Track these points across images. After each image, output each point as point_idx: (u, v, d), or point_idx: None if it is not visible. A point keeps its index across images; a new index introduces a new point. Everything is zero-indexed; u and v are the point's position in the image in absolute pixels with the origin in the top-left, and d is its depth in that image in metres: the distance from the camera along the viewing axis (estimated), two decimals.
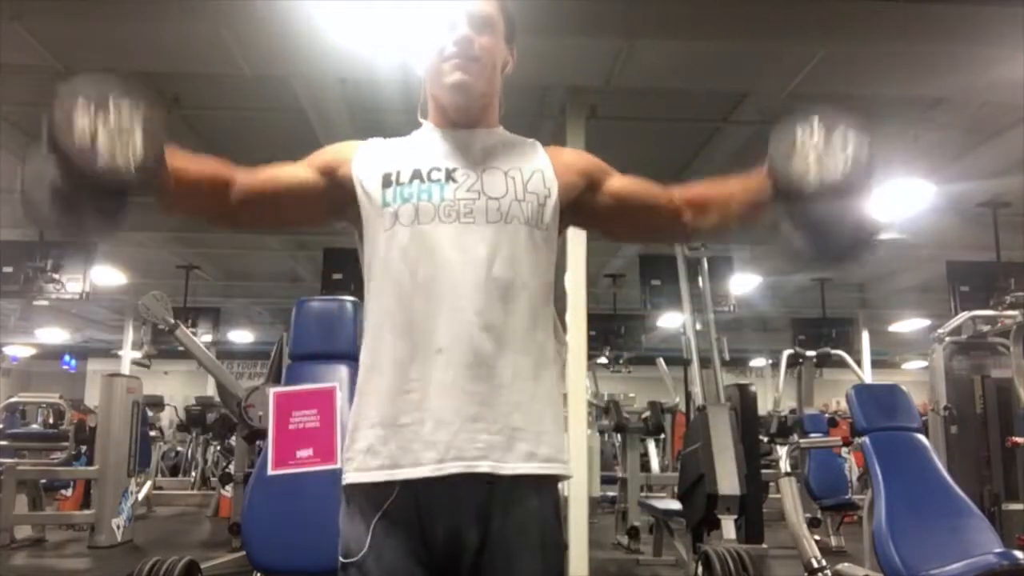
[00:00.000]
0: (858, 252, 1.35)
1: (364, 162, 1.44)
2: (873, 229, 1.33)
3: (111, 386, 7.01)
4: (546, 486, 1.36)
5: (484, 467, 1.29)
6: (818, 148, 1.26)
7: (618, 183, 1.51)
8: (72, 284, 7.69)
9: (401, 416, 1.32)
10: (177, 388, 15.99)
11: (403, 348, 1.33)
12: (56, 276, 7.62)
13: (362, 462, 1.34)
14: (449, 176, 1.38)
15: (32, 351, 18.55)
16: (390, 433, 1.32)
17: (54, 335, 16.13)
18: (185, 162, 1.32)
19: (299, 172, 1.45)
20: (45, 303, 9.53)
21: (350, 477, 1.35)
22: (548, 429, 1.36)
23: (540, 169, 1.43)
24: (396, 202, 1.37)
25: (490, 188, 1.38)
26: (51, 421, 10.02)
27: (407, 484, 1.30)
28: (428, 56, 1.43)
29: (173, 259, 10.98)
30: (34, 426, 9.82)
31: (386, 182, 1.39)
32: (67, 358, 19.10)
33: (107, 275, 9.98)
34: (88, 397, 15.10)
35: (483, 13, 1.42)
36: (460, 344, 1.31)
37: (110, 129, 1.13)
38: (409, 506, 1.30)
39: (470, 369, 1.30)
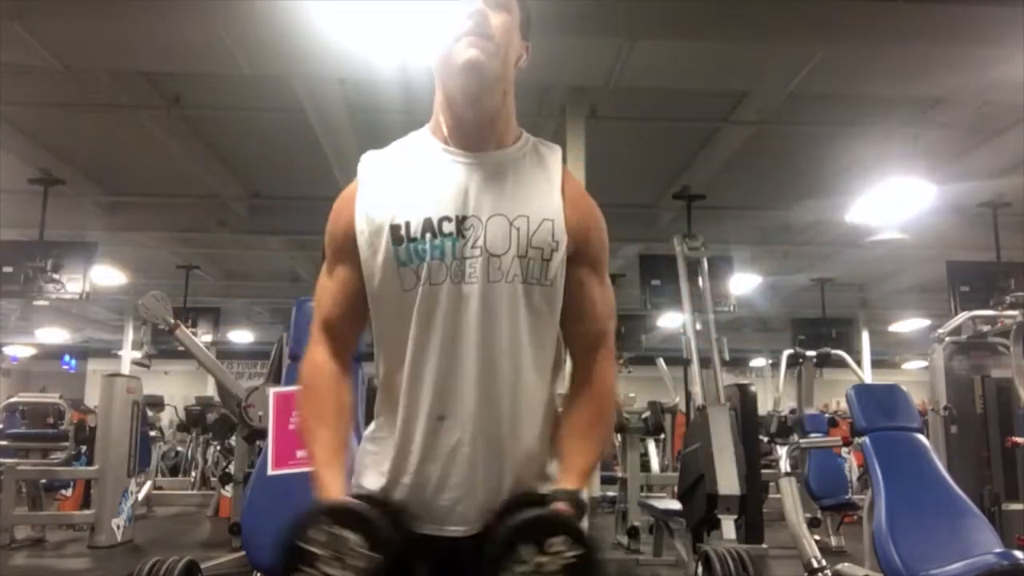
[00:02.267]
0: None
1: (365, 214, 1.34)
2: None
3: (111, 386, 7.01)
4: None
5: (476, 531, 1.28)
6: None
7: (587, 278, 1.40)
8: (72, 284, 7.69)
9: (403, 477, 1.32)
10: (177, 388, 15.98)
11: (409, 408, 1.32)
12: (56, 276, 7.62)
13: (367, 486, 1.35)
14: (460, 230, 1.30)
15: (32, 351, 18.57)
16: (391, 487, 1.33)
17: (54, 335, 16.14)
18: (340, 456, 1.33)
19: (342, 279, 1.39)
20: (45, 303, 9.55)
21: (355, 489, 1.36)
22: (545, 487, 1.33)
23: (550, 218, 1.33)
24: (411, 261, 1.30)
25: (493, 243, 1.30)
26: (51, 421, 10.00)
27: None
28: (440, 40, 1.33)
29: (173, 259, 11.00)
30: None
31: (395, 237, 1.30)
32: (67, 358, 19.11)
33: (107, 275, 9.98)
34: (88, 397, 15.10)
35: None
36: (460, 412, 1.29)
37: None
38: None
39: (470, 436, 1.29)
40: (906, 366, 17.58)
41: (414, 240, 1.30)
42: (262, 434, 4.51)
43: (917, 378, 13.09)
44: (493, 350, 1.29)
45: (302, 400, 1.39)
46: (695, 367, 5.32)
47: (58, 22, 4.52)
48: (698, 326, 5.57)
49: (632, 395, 9.42)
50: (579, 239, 1.36)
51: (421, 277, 1.29)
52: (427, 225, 1.30)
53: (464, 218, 1.31)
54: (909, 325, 13.76)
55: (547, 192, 1.36)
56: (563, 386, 1.45)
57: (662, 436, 8.73)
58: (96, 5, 4.44)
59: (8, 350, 18.19)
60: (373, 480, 1.35)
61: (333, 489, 1.27)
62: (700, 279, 5.72)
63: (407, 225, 1.30)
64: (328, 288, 1.41)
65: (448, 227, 1.30)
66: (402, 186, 1.35)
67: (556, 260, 1.32)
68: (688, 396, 6.09)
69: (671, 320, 10.68)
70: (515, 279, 1.30)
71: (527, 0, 1.41)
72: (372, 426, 1.41)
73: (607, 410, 1.43)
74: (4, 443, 8.05)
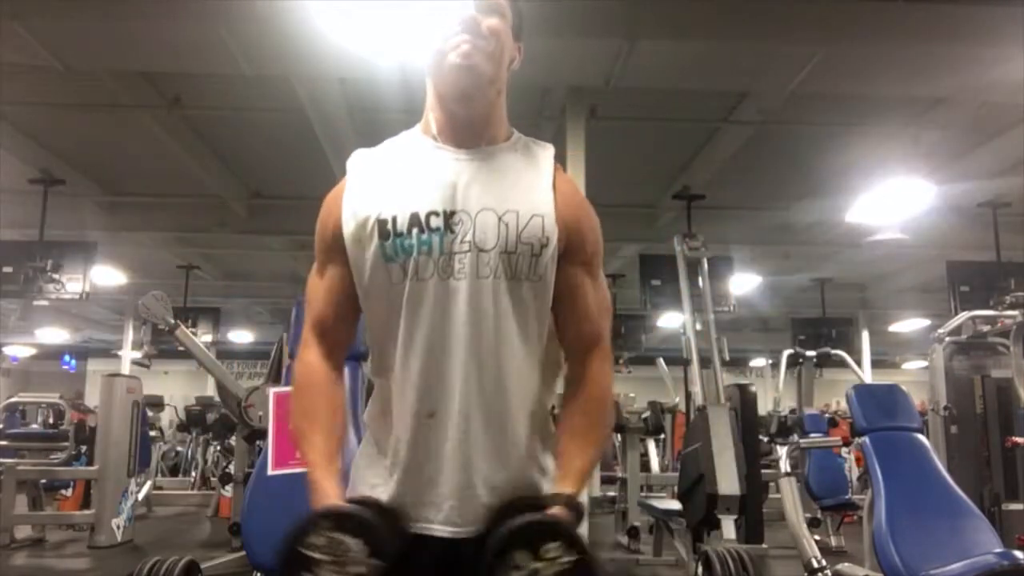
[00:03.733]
0: None
1: (351, 211, 1.34)
2: None
3: (111, 386, 7.01)
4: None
5: (470, 532, 1.27)
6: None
7: (581, 278, 1.38)
8: (72, 284, 7.69)
9: (395, 475, 1.32)
10: (177, 388, 15.98)
11: (399, 405, 1.32)
12: (56, 276, 7.63)
13: (366, 490, 1.35)
14: (448, 225, 1.29)
15: (32, 351, 18.57)
16: (385, 486, 1.33)
17: (54, 335, 16.14)
18: (336, 463, 1.33)
19: (332, 279, 1.39)
20: (45, 303, 9.54)
21: (351, 493, 1.36)
22: (532, 484, 1.33)
23: (540, 214, 1.32)
24: (398, 256, 1.29)
25: (481, 238, 1.29)
26: (51, 421, 10.01)
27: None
28: (432, 43, 1.33)
29: (173, 259, 11.00)
30: (34, 426, 9.82)
31: (383, 232, 1.30)
32: (67, 358, 19.11)
33: (107, 275, 9.98)
34: (88, 397, 15.10)
35: (492, 1, 1.34)
36: (449, 408, 1.28)
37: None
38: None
39: (459, 433, 1.28)
40: (906, 366, 17.59)
41: (400, 235, 1.29)
42: (262, 434, 4.51)
43: (917, 378, 13.10)
44: (481, 346, 1.28)
45: (295, 403, 1.39)
46: (695, 367, 5.33)
47: (58, 22, 4.52)
48: (698, 326, 5.58)
49: (632, 395, 9.43)
50: (572, 238, 1.35)
51: (408, 272, 1.29)
52: (414, 220, 1.29)
53: (452, 212, 1.30)
54: (909, 325, 13.77)
55: (538, 188, 1.36)
56: (560, 386, 1.44)
57: (662, 436, 8.74)
58: (96, 5, 4.44)
59: (8, 350, 18.19)
60: (368, 480, 1.35)
61: (330, 493, 1.27)
62: (700, 279, 5.72)
63: (394, 220, 1.30)
64: (319, 288, 1.41)
65: (436, 222, 1.29)
66: (390, 182, 1.35)
67: (546, 256, 1.31)
68: (688, 396, 6.10)
69: (671, 320, 10.68)
70: (502, 275, 1.29)
71: (520, 4, 1.41)
72: (367, 422, 1.41)
73: (604, 411, 1.42)
74: (4, 443, 8.05)
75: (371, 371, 1.40)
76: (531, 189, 1.35)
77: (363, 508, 1.22)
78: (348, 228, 1.33)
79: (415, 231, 1.29)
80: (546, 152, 1.42)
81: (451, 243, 1.29)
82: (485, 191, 1.32)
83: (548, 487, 1.33)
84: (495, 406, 1.30)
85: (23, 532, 6.94)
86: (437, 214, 1.30)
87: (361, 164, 1.40)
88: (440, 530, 1.28)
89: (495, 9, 1.34)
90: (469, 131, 1.36)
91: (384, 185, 1.34)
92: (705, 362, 5.36)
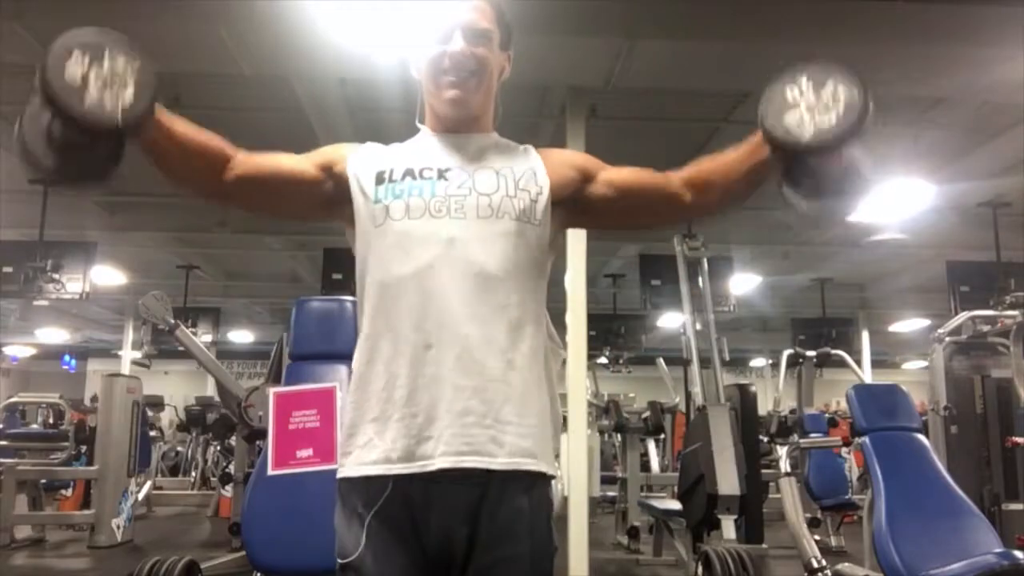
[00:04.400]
0: (856, 199, 1.34)
1: (360, 161, 1.45)
2: (870, 173, 1.30)
3: (111, 386, 7.01)
4: (537, 486, 1.36)
5: (470, 462, 1.29)
6: (809, 100, 1.25)
7: (615, 173, 1.51)
8: (72, 284, 7.69)
9: (393, 411, 1.32)
10: (177, 388, 15.98)
11: (394, 344, 1.34)
12: (56, 276, 7.63)
13: (358, 456, 1.35)
14: (441, 175, 1.40)
15: (32, 351, 18.56)
16: (383, 428, 1.33)
17: (54, 335, 16.13)
18: (184, 125, 1.34)
19: (300, 163, 1.46)
20: (45, 303, 9.53)
21: (345, 471, 1.36)
22: (534, 423, 1.35)
23: (532, 168, 1.44)
24: (387, 198, 1.38)
25: (481, 185, 1.39)
26: (51, 421, 10.01)
27: (399, 481, 1.30)
28: (424, 66, 1.45)
29: (173, 259, 10.99)
30: (34, 426, 9.82)
31: (379, 179, 1.41)
32: (67, 358, 19.11)
33: (107, 275, 9.98)
34: (88, 397, 15.10)
35: (479, 27, 1.43)
36: (449, 339, 1.31)
37: (101, 74, 1.16)
38: (402, 504, 1.30)
39: (459, 363, 1.31)
40: (906, 366, 17.59)
41: (393, 182, 1.39)
42: (262, 434, 4.51)
43: (917, 378, 13.09)
44: (484, 280, 1.33)
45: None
46: (695, 367, 5.32)
47: (58, 22, 4.47)
48: (698, 326, 5.57)
49: (632, 395, 9.44)
50: (580, 168, 1.49)
51: (393, 213, 1.37)
52: (408, 172, 1.41)
53: (447, 168, 1.42)
54: (909, 325, 13.76)
55: (525, 156, 1.49)
56: (560, 386, 1.46)
57: (662, 436, 8.73)
58: (96, 5, 4.42)
59: (8, 350, 18.18)
60: (366, 431, 1.35)
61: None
62: (700, 279, 5.72)
63: (391, 172, 1.42)
64: (284, 156, 1.46)
65: (429, 174, 1.41)
66: (392, 152, 1.48)
67: (542, 202, 1.41)
68: (688, 396, 6.09)
69: (671, 320, 10.68)
70: (506, 215, 1.38)
71: (506, 14, 1.50)
72: (354, 375, 1.41)
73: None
74: (4, 443, 8.05)
75: (360, 312, 1.42)
76: (520, 156, 1.48)
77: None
78: (354, 175, 1.43)
79: (408, 179, 1.40)
80: (525, 146, 1.54)
81: (444, 188, 1.38)
82: (479, 156, 1.45)
83: (539, 426, 1.36)
84: (497, 337, 1.33)
85: (23, 532, 6.94)
86: (431, 169, 1.42)
87: (373, 144, 1.52)
88: (442, 461, 1.29)
89: (483, 35, 1.43)
90: (463, 127, 1.49)
91: (387, 154, 1.48)
92: (705, 362, 5.36)
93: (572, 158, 1.53)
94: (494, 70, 1.47)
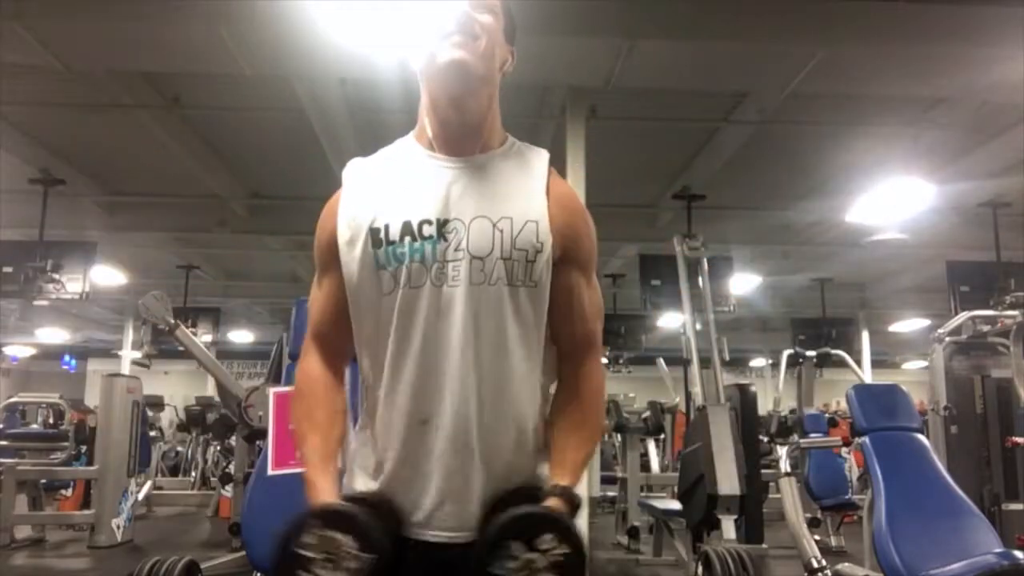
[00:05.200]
0: None
1: (346, 221, 1.35)
2: None
3: (111, 386, 7.01)
4: None
5: (463, 538, 1.27)
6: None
7: (576, 280, 1.38)
8: (72, 284, 7.69)
9: (388, 480, 1.31)
10: (177, 388, 15.99)
11: (392, 414, 1.31)
12: (56, 276, 7.62)
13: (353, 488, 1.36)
14: (440, 232, 1.29)
15: (32, 351, 18.56)
16: (381, 491, 1.32)
17: (54, 335, 16.14)
18: (333, 465, 1.34)
19: (330, 289, 1.40)
20: (45, 303, 9.52)
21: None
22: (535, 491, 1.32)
23: (534, 220, 1.31)
24: (390, 264, 1.30)
25: (475, 245, 1.29)
26: (51, 421, 10.01)
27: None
28: (424, 41, 1.33)
29: (173, 259, 11.00)
30: (34, 426, 9.82)
31: (375, 241, 1.31)
32: (67, 358, 19.11)
33: (107, 275, 9.98)
34: (88, 397, 15.10)
35: (483, 2, 1.34)
36: (444, 415, 1.28)
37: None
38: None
39: (454, 441, 1.28)
40: (906, 366, 17.60)
41: (392, 243, 1.29)
42: (262, 434, 4.51)
43: (917, 378, 13.09)
44: (479, 352, 1.28)
45: (295, 409, 1.40)
46: (695, 367, 5.33)
47: (58, 22, 4.51)
48: (698, 326, 5.57)
49: (632, 395, 9.44)
50: (568, 241, 1.35)
51: (400, 280, 1.29)
52: (406, 228, 1.30)
53: (446, 221, 1.30)
54: (909, 325, 13.77)
55: (531, 193, 1.35)
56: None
57: (662, 436, 8.74)
58: (96, 5, 4.44)
59: (8, 350, 18.18)
60: (362, 482, 1.35)
61: (325, 493, 1.28)
62: (700, 279, 5.72)
63: (386, 228, 1.30)
64: (318, 299, 1.42)
65: (428, 230, 1.29)
66: (384, 191, 1.35)
67: (540, 261, 1.31)
68: (688, 396, 6.10)
69: (671, 320, 10.68)
70: (499, 281, 1.29)
71: (511, 6, 1.42)
72: (359, 426, 1.41)
73: (599, 408, 1.44)
74: (4, 443, 8.05)
75: (362, 378, 1.40)
76: (524, 196, 1.35)
77: (353, 505, 1.23)
78: (343, 237, 1.34)
79: (407, 239, 1.29)
80: (540, 158, 1.41)
81: (444, 251, 1.29)
82: (479, 199, 1.32)
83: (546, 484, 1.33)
84: (491, 413, 1.29)
85: (23, 532, 6.94)
86: (430, 222, 1.30)
87: (356, 174, 1.40)
88: (437, 535, 1.28)
89: (488, 7, 1.34)
90: (462, 138, 1.36)
91: (377, 195, 1.35)
92: (705, 362, 5.36)
93: (578, 231, 1.38)
94: (497, 49, 1.35)
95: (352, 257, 1.32)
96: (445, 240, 1.29)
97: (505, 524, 1.19)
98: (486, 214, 1.31)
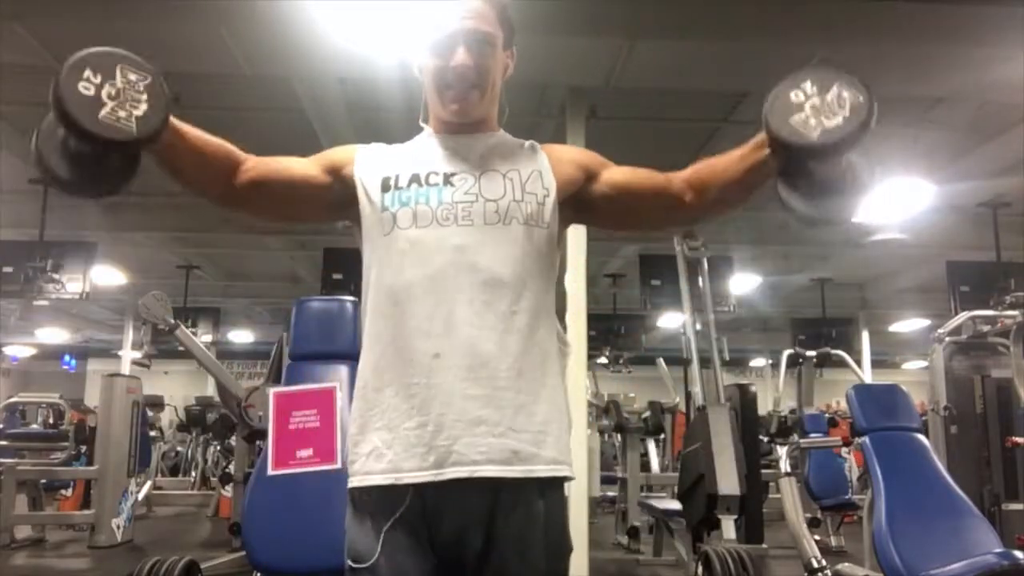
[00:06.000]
0: (854, 204, 1.33)
1: (365, 164, 1.44)
2: (868, 178, 1.30)
3: (111, 386, 7.01)
4: (551, 488, 1.35)
5: (486, 472, 1.28)
6: (814, 103, 1.24)
7: (617, 173, 1.49)
8: (72, 284, 7.69)
9: (403, 420, 1.31)
10: (177, 388, 15.98)
11: (402, 351, 1.33)
12: (56, 276, 7.62)
13: (365, 464, 1.34)
14: (447, 180, 1.39)
15: (32, 351, 18.55)
16: (393, 437, 1.32)
17: (54, 335, 16.14)
18: (195, 133, 1.35)
19: (308, 167, 1.46)
20: (45, 303, 9.53)
21: (355, 481, 1.35)
22: (552, 431, 1.35)
23: (538, 169, 1.43)
24: (394, 206, 1.37)
25: (488, 190, 1.38)
26: (51, 421, 10.01)
27: (415, 489, 1.29)
28: (427, 77, 1.45)
29: (173, 259, 10.99)
30: (34, 426, 9.82)
31: (384, 186, 1.40)
32: (67, 358, 19.11)
33: (107, 275, 9.98)
34: (88, 397, 15.10)
35: (482, 32, 1.40)
36: (459, 347, 1.30)
37: (116, 88, 1.16)
38: (417, 511, 1.30)
39: (470, 372, 1.30)
40: (906, 366, 17.59)
41: (400, 188, 1.38)
42: (262, 434, 4.51)
43: (917, 378, 13.09)
44: (492, 287, 1.32)
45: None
46: (695, 367, 5.32)
47: (59, 22, 4.51)
48: (698, 326, 5.57)
49: (632, 395, 9.43)
50: (583, 166, 1.48)
51: (404, 221, 1.36)
52: (414, 177, 1.40)
53: (453, 173, 1.40)
54: (909, 325, 13.76)
55: (531, 155, 1.48)
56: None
57: (662, 436, 8.73)
58: (96, 5, 4.44)
59: (8, 350, 18.18)
60: (372, 439, 1.34)
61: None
62: (700, 279, 5.71)
63: (396, 177, 1.41)
64: (293, 160, 1.46)
65: (435, 179, 1.40)
66: (397, 155, 1.47)
67: (549, 204, 1.41)
68: (688, 396, 6.10)
69: (671, 320, 10.69)
70: (513, 221, 1.36)
71: (509, 13, 1.48)
72: (359, 382, 1.41)
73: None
74: (4, 443, 8.05)
75: (363, 323, 1.42)
76: (526, 156, 1.47)
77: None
78: (360, 179, 1.42)
79: (414, 186, 1.38)
80: (530, 142, 1.52)
81: (451, 194, 1.37)
82: (486, 157, 1.44)
83: (556, 432, 1.35)
84: (506, 344, 1.32)
85: (23, 532, 6.94)
86: (436, 173, 1.40)
87: (377, 145, 1.52)
88: (455, 471, 1.28)
89: (487, 40, 1.41)
90: (467, 128, 1.48)
91: (392, 157, 1.46)
92: (705, 362, 5.36)
93: (577, 156, 1.51)
94: (497, 76, 1.46)
95: (367, 201, 1.41)
96: (452, 186, 1.38)
97: (803, 70, 1.27)
98: (495, 168, 1.43)
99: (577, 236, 5.07)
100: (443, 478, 1.28)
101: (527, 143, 1.51)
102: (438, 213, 1.35)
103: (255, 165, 1.42)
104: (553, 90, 5.72)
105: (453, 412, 1.29)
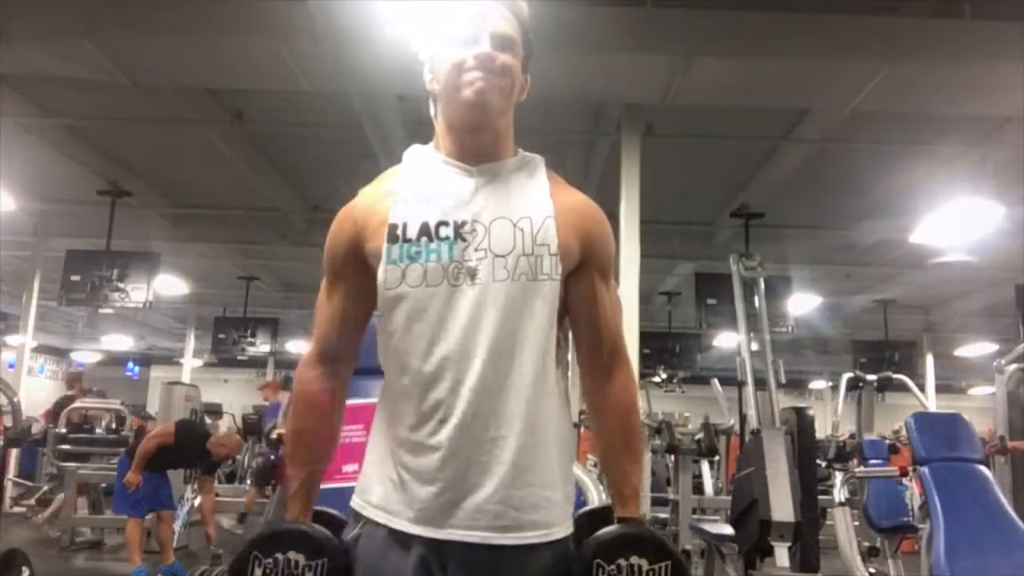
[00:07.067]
0: None
1: (365, 219, 1.39)
2: None
3: (170, 394, 7.15)
4: (556, 545, 1.33)
5: (478, 538, 1.27)
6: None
7: (596, 285, 1.40)
8: (136, 293, 7.90)
9: (407, 477, 1.31)
10: (236, 396, 16.26)
11: (408, 411, 1.32)
12: (121, 285, 7.84)
13: (374, 499, 1.35)
14: (458, 233, 1.32)
15: (98, 357, 19.07)
16: (398, 490, 1.32)
17: (119, 342, 16.56)
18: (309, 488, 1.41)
19: (340, 295, 1.43)
20: (110, 311, 9.79)
21: (364, 511, 1.36)
22: (553, 493, 1.32)
23: (551, 216, 1.35)
24: (403, 261, 1.32)
25: (497, 244, 1.32)
26: (113, 427, 10.24)
27: (416, 539, 1.29)
28: (444, 71, 1.41)
29: (234, 270, 11.22)
30: (98, 431, 10.05)
31: (392, 237, 1.33)
32: (131, 365, 19.60)
33: (170, 284, 10.22)
34: (150, 404, 15.44)
35: (505, 34, 1.38)
36: (462, 411, 1.28)
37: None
38: (419, 561, 1.29)
39: (472, 437, 1.28)
40: (973, 391, 17.08)
41: (408, 241, 1.32)
42: None
43: (985, 404, 12.70)
44: (501, 349, 1.29)
45: (292, 418, 1.45)
46: (750, 389, 5.22)
47: (126, 39, 4.65)
48: (754, 347, 5.47)
49: (687, 415, 9.31)
50: (586, 245, 1.38)
51: (415, 279, 1.31)
52: (424, 229, 1.33)
53: (463, 223, 1.33)
54: (977, 349, 13.37)
55: (541, 196, 1.39)
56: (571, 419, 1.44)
57: (716, 458, 8.59)
58: (162, 23, 4.56)
59: (75, 356, 18.72)
60: (378, 492, 1.35)
61: (293, 516, 1.37)
62: (756, 299, 5.61)
63: (404, 226, 1.33)
64: (326, 311, 1.44)
65: (445, 231, 1.32)
66: (401, 192, 1.38)
67: (559, 256, 1.34)
68: (743, 418, 5.98)
69: (727, 340, 10.54)
70: (522, 276, 1.31)
71: (530, 35, 1.45)
72: (374, 431, 1.41)
73: (637, 420, 1.49)
74: (67, 447, 8.26)
75: (384, 367, 1.41)
76: (536, 197, 1.38)
77: (301, 523, 1.34)
78: (366, 230, 1.37)
79: (424, 240, 1.32)
80: (539, 165, 1.45)
81: (462, 251, 1.31)
82: (497, 202, 1.36)
83: (557, 498, 1.33)
84: (514, 407, 1.29)
85: (83, 535, 7.10)
86: (447, 224, 1.33)
87: (378, 183, 1.45)
88: (460, 534, 1.27)
89: (508, 43, 1.38)
90: (478, 154, 1.40)
91: (396, 195, 1.38)
92: (760, 384, 5.25)
93: (594, 232, 1.41)
94: (516, 83, 1.41)
95: (374, 251, 1.35)
96: (464, 240, 1.32)
97: (607, 541, 1.29)
98: (505, 215, 1.35)
99: (631, 253, 5.03)
100: (448, 538, 1.28)
101: (537, 172, 1.43)
102: (449, 272, 1.31)
103: (319, 354, 1.44)
104: (609, 107, 5.70)
105: (453, 476, 1.28)
